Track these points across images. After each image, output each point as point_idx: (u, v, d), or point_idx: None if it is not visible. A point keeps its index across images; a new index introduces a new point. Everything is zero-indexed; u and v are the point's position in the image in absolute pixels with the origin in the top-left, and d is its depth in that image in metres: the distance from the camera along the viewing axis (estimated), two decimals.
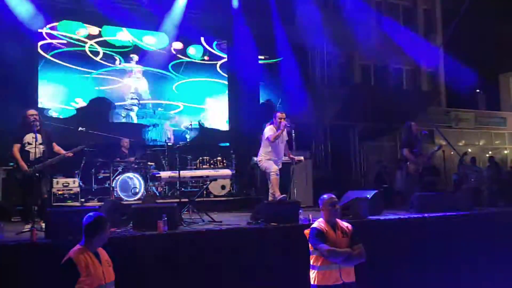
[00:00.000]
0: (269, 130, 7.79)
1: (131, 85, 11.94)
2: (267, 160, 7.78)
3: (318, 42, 14.28)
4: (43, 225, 5.75)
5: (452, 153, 14.67)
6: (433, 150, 9.50)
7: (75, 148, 7.05)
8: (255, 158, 10.05)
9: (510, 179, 14.13)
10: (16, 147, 6.55)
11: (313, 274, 4.43)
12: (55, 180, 8.70)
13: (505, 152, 20.44)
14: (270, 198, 7.56)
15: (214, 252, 5.75)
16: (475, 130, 19.69)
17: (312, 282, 4.44)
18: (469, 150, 18.32)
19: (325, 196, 4.58)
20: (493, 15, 18.70)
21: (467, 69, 16.92)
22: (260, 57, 13.30)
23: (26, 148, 6.56)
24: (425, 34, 18.80)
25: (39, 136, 6.56)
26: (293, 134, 8.17)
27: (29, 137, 6.56)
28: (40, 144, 6.58)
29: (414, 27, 18.33)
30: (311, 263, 4.47)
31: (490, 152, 19.27)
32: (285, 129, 7.80)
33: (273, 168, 7.67)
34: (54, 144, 6.86)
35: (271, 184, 7.61)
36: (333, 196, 4.58)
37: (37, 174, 6.50)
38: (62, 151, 6.83)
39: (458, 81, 17.34)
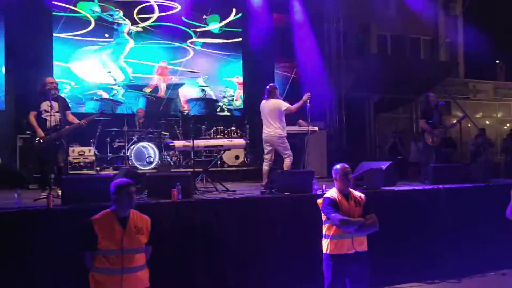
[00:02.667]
0: (284, 104, 7.46)
1: None
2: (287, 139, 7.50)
3: (334, 11, 14.02)
4: (60, 192, 5.83)
5: (469, 125, 14.50)
6: (456, 121, 9.39)
7: (89, 116, 7.09)
8: None
9: None
10: (33, 115, 6.61)
11: (325, 243, 4.47)
12: (71, 149, 8.80)
13: None
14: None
15: (227, 221, 5.79)
16: (494, 101, 19.35)
17: (324, 251, 4.47)
18: (487, 122, 18.13)
19: (338, 165, 4.56)
20: None
21: (486, 39, 16.51)
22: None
23: (43, 116, 6.60)
24: (444, 3, 18.33)
25: (55, 104, 6.60)
26: (308, 104, 8.06)
27: (45, 105, 6.60)
28: (57, 112, 6.62)
29: None
30: (324, 232, 4.49)
31: (508, 125, 18.97)
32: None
33: (291, 153, 7.46)
34: (68, 112, 6.89)
35: (285, 164, 7.45)
36: (346, 165, 4.56)
37: (54, 142, 6.57)
38: (76, 120, 6.86)
39: (477, 52, 16.95)
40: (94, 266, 3.68)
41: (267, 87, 7.56)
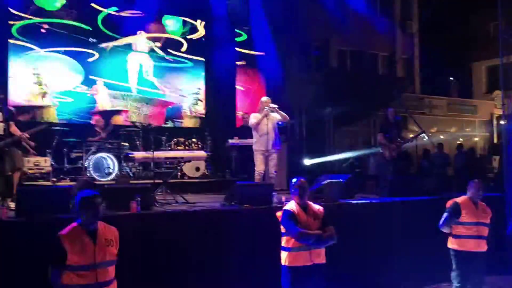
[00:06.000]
0: (251, 117, 7.81)
1: None
2: (256, 152, 7.80)
3: (295, 26, 14.28)
4: (11, 204, 5.66)
5: (424, 139, 14.95)
6: (413, 136, 9.72)
7: (33, 128, 6.90)
8: (230, 141, 10.11)
9: (479, 166, 14.48)
10: None
11: (284, 255, 4.52)
12: (26, 159, 8.52)
13: (475, 139, 20.91)
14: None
15: (187, 233, 5.77)
16: (447, 117, 20.05)
17: (282, 263, 4.52)
18: (441, 137, 18.74)
19: (294, 179, 4.67)
20: (468, 5, 18.97)
21: (441, 56, 17.16)
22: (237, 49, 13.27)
23: None
24: (401, 21, 18.95)
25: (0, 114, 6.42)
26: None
27: None
28: (1, 122, 6.44)
29: (390, 13, 18.46)
30: (282, 244, 4.55)
31: (460, 139, 19.68)
32: (273, 112, 7.76)
33: (257, 168, 7.75)
34: (11, 123, 6.64)
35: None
36: (302, 179, 4.66)
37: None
38: (18, 132, 6.62)
39: (432, 68, 17.60)
40: (62, 284, 3.53)
41: None
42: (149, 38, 12.26)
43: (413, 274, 7.07)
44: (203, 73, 12.99)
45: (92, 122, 10.37)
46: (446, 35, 19.26)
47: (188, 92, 12.78)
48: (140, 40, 12.19)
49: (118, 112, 11.67)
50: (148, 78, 12.21)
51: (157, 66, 12.34)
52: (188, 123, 12.72)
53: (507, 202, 8.16)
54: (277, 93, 12.56)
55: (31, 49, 10.71)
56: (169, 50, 12.49)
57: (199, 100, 12.88)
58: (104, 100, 11.58)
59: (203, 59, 12.94)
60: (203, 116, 12.87)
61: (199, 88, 12.90)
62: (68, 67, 11.16)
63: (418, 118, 16.10)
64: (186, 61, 12.74)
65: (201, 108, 12.90)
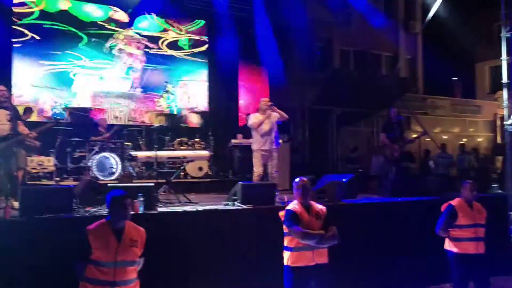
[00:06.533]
0: (252, 117, 7.84)
1: None
2: (257, 152, 7.86)
3: (299, 26, 14.28)
4: (15, 203, 5.69)
5: (427, 140, 14.95)
6: (416, 136, 9.72)
7: (40, 127, 6.92)
8: (233, 141, 10.12)
9: (482, 166, 14.44)
10: None
11: (286, 255, 4.52)
12: (29, 159, 8.56)
13: (479, 139, 20.84)
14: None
15: (190, 233, 5.78)
16: (451, 117, 19.99)
17: (285, 263, 4.53)
18: (445, 137, 18.72)
19: (297, 179, 4.67)
20: (471, 5, 18.92)
21: (444, 57, 17.12)
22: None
23: None
24: (404, 21, 18.92)
25: (6, 112, 6.44)
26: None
27: None
28: (8, 121, 6.46)
29: (394, 13, 18.43)
30: (285, 244, 4.55)
31: (464, 140, 19.63)
32: (273, 112, 7.80)
33: (257, 169, 7.80)
34: (19, 122, 6.69)
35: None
36: (305, 178, 4.66)
37: (4, 152, 6.37)
38: (26, 131, 6.68)
39: (436, 69, 17.55)
40: (86, 276, 3.64)
41: None
42: (146, 36, 12.28)
43: (415, 274, 7.06)
44: (205, 71, 13.00)
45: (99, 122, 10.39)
46: (449, 35, 19.20)
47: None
48: (133, 37, 12.20)
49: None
50: (142, 76, 12.23)
51: (152, 64, 12.33)
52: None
53: (510, 202, 8.14)
54: (281, 93, 12.61)
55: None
56: (167, 48, 12.50)
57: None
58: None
59: (205, 60, 12.98)
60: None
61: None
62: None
63: (421, 118, 16.12)
64: (187, 58, 12.78)
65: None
